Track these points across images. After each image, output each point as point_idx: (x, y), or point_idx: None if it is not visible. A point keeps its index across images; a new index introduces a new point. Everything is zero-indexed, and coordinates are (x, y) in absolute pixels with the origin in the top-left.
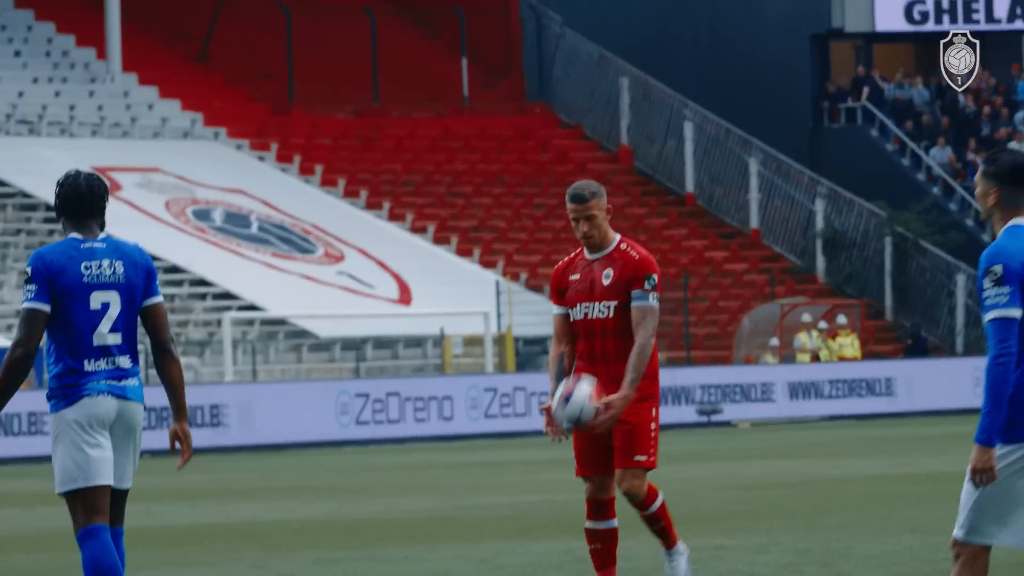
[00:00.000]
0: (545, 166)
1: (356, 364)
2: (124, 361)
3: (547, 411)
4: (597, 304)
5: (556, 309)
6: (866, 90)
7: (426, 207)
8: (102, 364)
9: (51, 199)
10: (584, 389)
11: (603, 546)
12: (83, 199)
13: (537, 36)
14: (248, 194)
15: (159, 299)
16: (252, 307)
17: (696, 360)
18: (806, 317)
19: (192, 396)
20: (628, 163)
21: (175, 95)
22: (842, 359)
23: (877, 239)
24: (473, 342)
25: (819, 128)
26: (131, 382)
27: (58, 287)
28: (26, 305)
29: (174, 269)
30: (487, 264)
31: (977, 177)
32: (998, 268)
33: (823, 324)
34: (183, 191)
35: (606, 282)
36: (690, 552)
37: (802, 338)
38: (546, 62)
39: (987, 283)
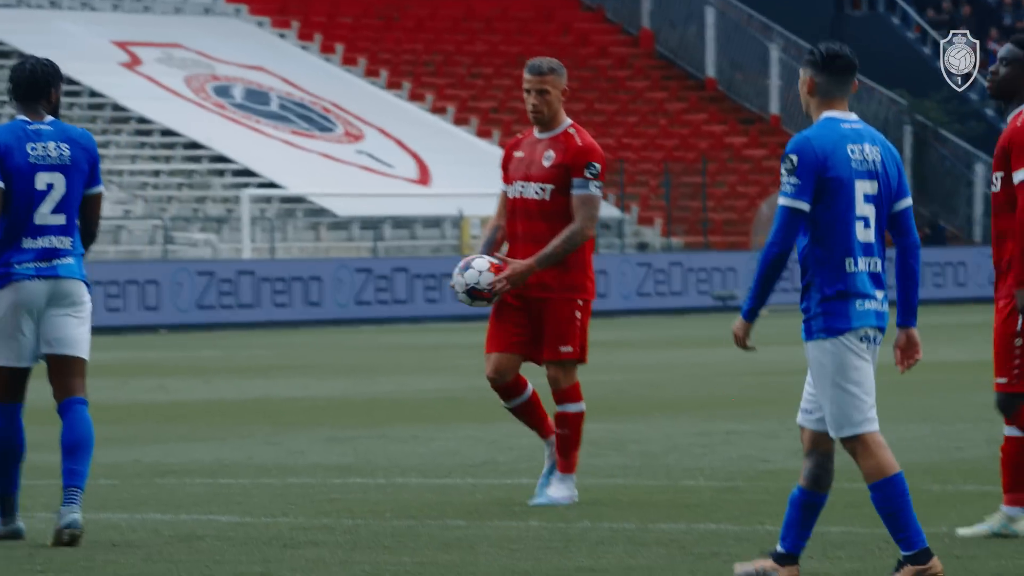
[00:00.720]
0: (566, 48)
1: (374, 243)
2: (63, 241)
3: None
4: (532, 184)
5: (502, 184)
6: None
7: (446, 88)
8: (39, 243)
9: (73, 74)
10: (483, 259)
11: (529, 417)
12: (29, 83)
13: None
14: (269, 71)
15: (100, 188)
16: (271, 184)
17: (714, 245)
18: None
19: (210, 271)
20: (649, 47)
21: None
22: None
23: (897, 127)
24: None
25: (841, 15)
26: (65, 260)
27: (6, 167)
28: None
29: (193, 145)
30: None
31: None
32: (794, 157)
33: None
34: (203, 67)
35: (546, 164)
36: (577, 499)
37: None
38: None
39: (783, 169)
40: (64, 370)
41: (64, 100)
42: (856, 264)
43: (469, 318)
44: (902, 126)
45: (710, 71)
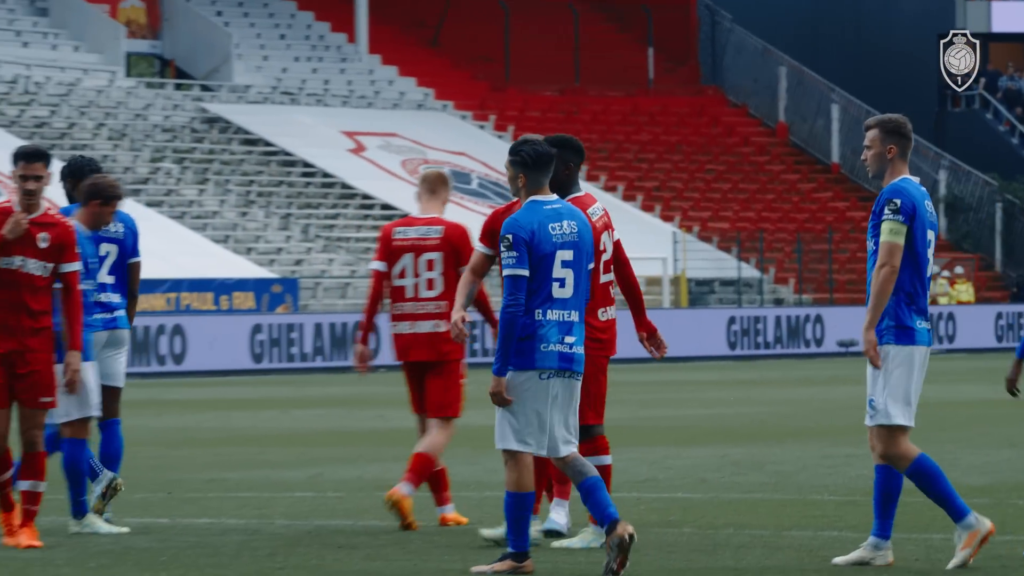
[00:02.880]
0: (715, 138)
1: None
2: (116, 297)
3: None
4: None
5: (482, 248)
6: (983, 81)
7: (617, 170)
8: (102, 298)
9: (309, 158)
10: None
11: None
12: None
13: (711, 30)
14: (470, 156)
15: (138, 259)
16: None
17: (838, 301)
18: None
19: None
20: (784, 137)
21: (412, 73)
22: (959, 303)
23: (990, 204)
24: (653, 282)
25: (943, 111)
26: (119, 313)
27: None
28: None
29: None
30: (666, 218)
31: (506, 163)
32: (509, 236)
33: (945, 273)
34: (416, 152)
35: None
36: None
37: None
38: (718, 52)
39: (503, 247)
40: (113, 397)
41: (300, 179)
42: None
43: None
44: (994, 203)
45: (835, 157)
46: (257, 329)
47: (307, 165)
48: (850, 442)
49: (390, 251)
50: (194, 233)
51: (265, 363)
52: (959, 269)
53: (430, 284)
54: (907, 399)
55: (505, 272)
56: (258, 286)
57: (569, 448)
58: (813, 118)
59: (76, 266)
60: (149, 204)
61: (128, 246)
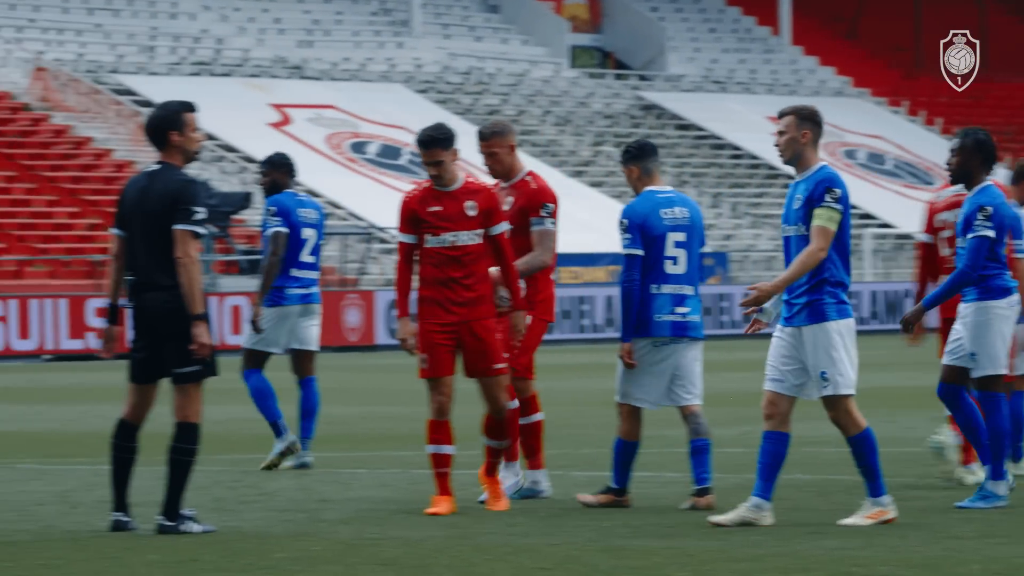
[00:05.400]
0: None
1: None
2: (313, 274)
3: None
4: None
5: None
6: None
7: (1021, 151)
8: (303, 274)
9: (737, 142)
10: None
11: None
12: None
13: None
14: (885, 139)
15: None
16: (886, 224)
17: None
18: None
19: None
20: None
21: (831, 63)
22: None
23: None
24: None
25: None
26: (314, 289)
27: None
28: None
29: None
30: None
31: (620, 166)
32: (625, 221)
33: None
34: (835, 136)
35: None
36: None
37: None
38: None
39: (620, 230)
40: (307, 359)
41: (729, 161)
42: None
43: None
44: None
45: None
46: None
47: (735, 148)
48: None
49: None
50: None
51: None
52: None
53: None
54: (855, 365)
55: (623, 251)
56: None
57: (691, 400)
58: None
59: (504, 227)
60: (591, 185)
61: (321, 228)
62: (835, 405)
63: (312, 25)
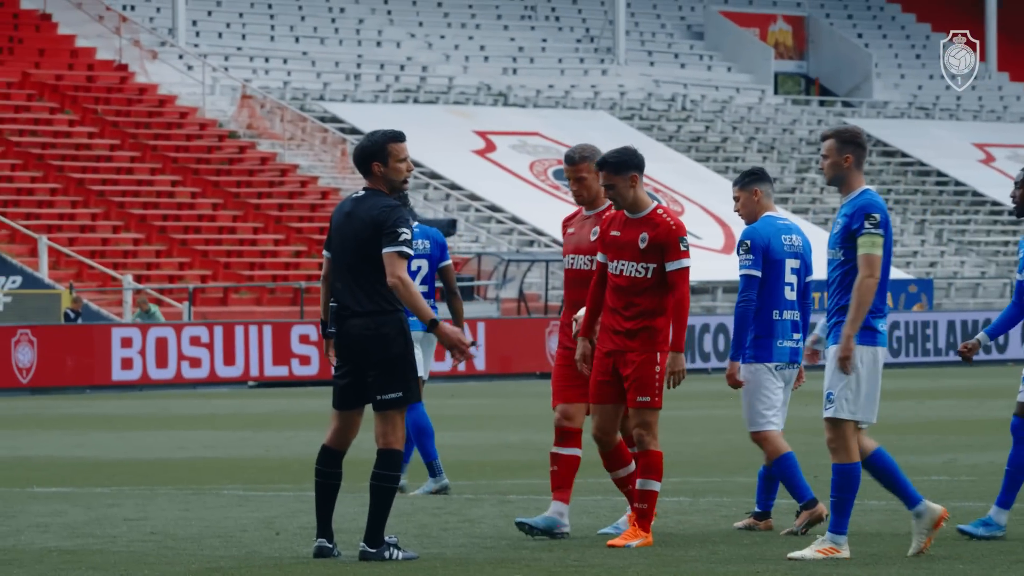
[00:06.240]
0: None
1: None
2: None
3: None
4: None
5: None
6: None
7: None
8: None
9: (943, 168)
10: None
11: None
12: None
13: None
14: None
15: (448, 262)
16: None
17: None
18: None
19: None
20: None
21: None
22: None
23: None
24: None
25: None
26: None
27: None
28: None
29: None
30: None
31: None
32: (748, 242)
33: None
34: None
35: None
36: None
37: None
38: None
39: (741, 251)
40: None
41: (934, 188)
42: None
43: None
44: None
45: None
46: (895, 326)
47: (940, 175)
48: None
49: None
50: None
51: (902, 357)
52: None
53: None
54: (872, 396)
55: (741, 272)
56: (895, 286)
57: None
58: None
59: (678, 264)
60: (795, 211)
61: (435, 258)
62: (834, 429)
63: (517, 52)
